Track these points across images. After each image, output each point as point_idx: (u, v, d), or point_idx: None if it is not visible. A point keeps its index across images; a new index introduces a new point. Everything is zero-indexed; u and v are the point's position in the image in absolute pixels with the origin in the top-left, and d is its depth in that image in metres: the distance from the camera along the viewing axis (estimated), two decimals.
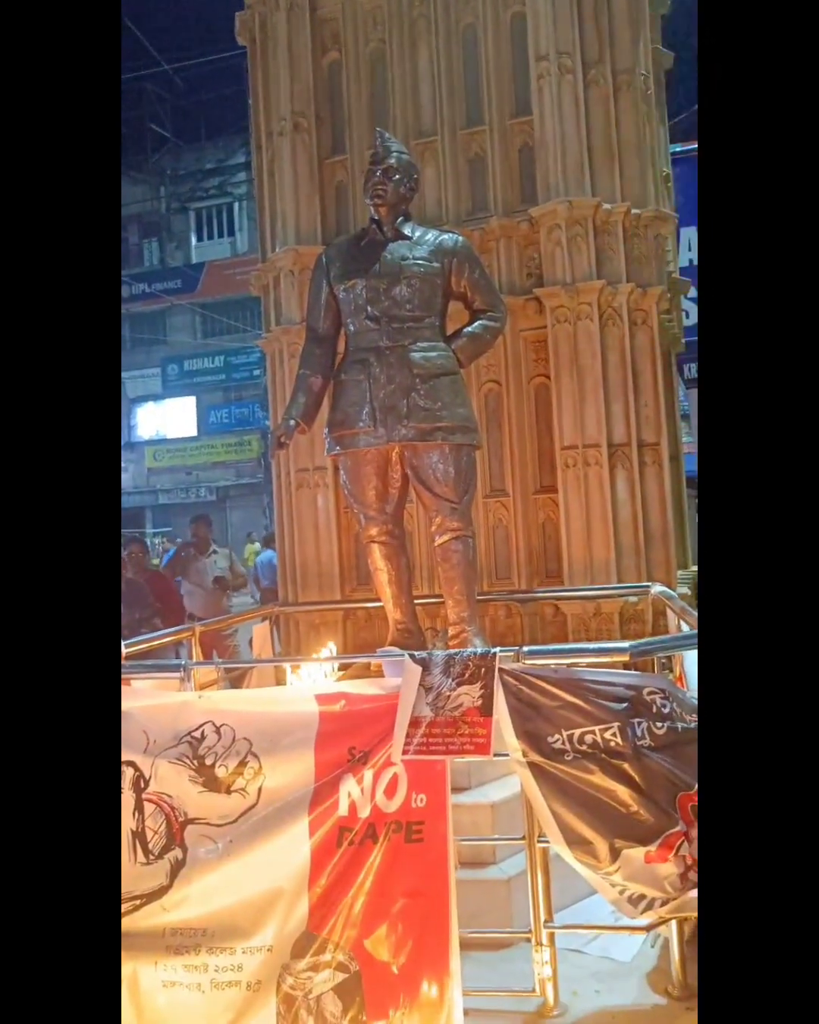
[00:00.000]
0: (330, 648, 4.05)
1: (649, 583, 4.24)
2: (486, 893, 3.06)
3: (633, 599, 4.31)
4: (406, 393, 3.70)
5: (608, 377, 4.49)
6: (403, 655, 2.77)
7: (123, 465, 24.21)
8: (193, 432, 23.79)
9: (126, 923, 2.67)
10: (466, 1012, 2.55)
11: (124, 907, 2.68)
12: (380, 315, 3.76)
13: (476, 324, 3.92)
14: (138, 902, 2.68)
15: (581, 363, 4.47)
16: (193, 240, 24.73)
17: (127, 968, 2.62)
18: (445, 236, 3.91)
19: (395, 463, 3.85)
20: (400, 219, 3.87)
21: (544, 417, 4.70)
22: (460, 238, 3.95)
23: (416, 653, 2.78)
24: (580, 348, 4.48)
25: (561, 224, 4.45)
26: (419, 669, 2.70)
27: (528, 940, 2.86)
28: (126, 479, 23.73)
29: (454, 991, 2.56)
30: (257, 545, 11.20)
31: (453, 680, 2.70)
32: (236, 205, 23.78)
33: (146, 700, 2.83)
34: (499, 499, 4.87)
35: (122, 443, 24.46)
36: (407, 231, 3.86)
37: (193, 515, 8.37)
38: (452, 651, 2.81)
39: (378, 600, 4.36)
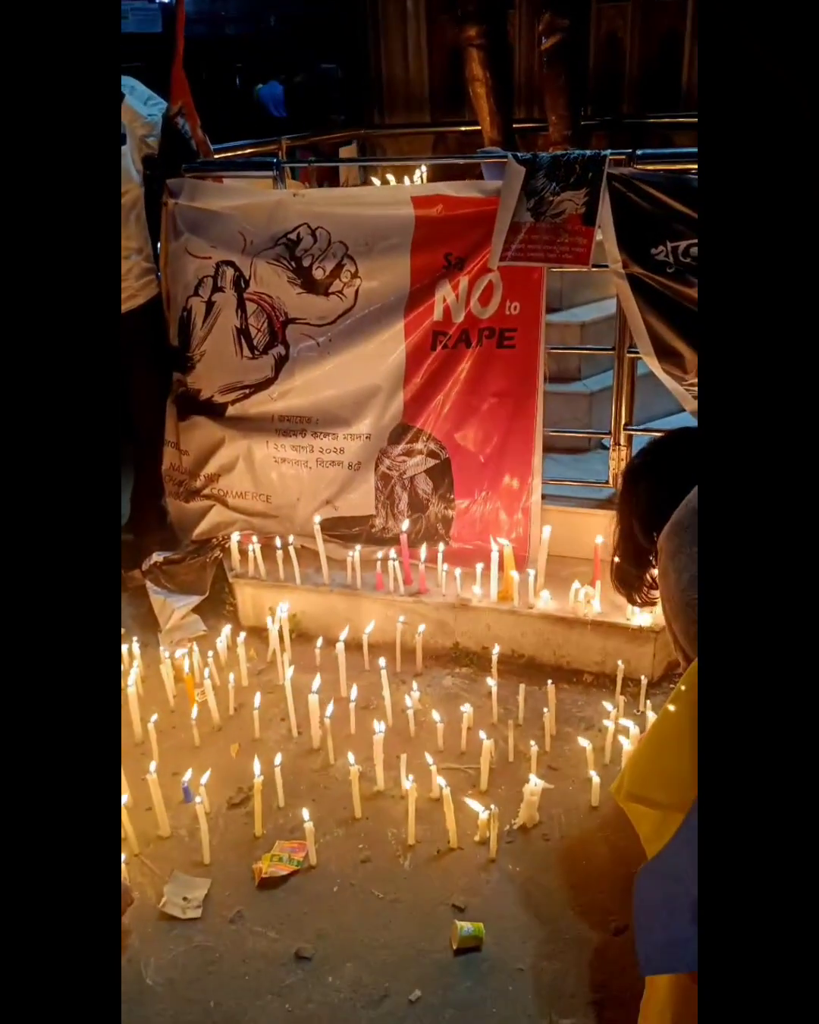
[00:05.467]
0: (421, 169, 3.85)
1: None
2: (569, 405, 3.22)
3: None
4: None
5: None
6: (507, 156, 2.61)
7: None
8: None
9: (237, 409, 2.93)
10: (544, 496, 2.84)
11: (234, 395, 2.92)
12: None
13: None
14: (247, 391, 2.90)
15: None
16: None
17: (243, 445, 2.92)
18: None
19: None
20: None
21: None
22: None
23: (519, 154, 2.61)
24: None
25: None
26: (522, 170, 2.54)
27: (604, 448, 3.07)
28: None
29: (535, 479, 2.82)
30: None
31: (558, 184, 2.56)
32: None
33: (240, 199, 2.78)
34: (614, 4, 4.23)
35: None
36: None
37: None
38: (559, 153, 2.63)
39: (472, 123, 4.03)
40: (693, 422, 2.66)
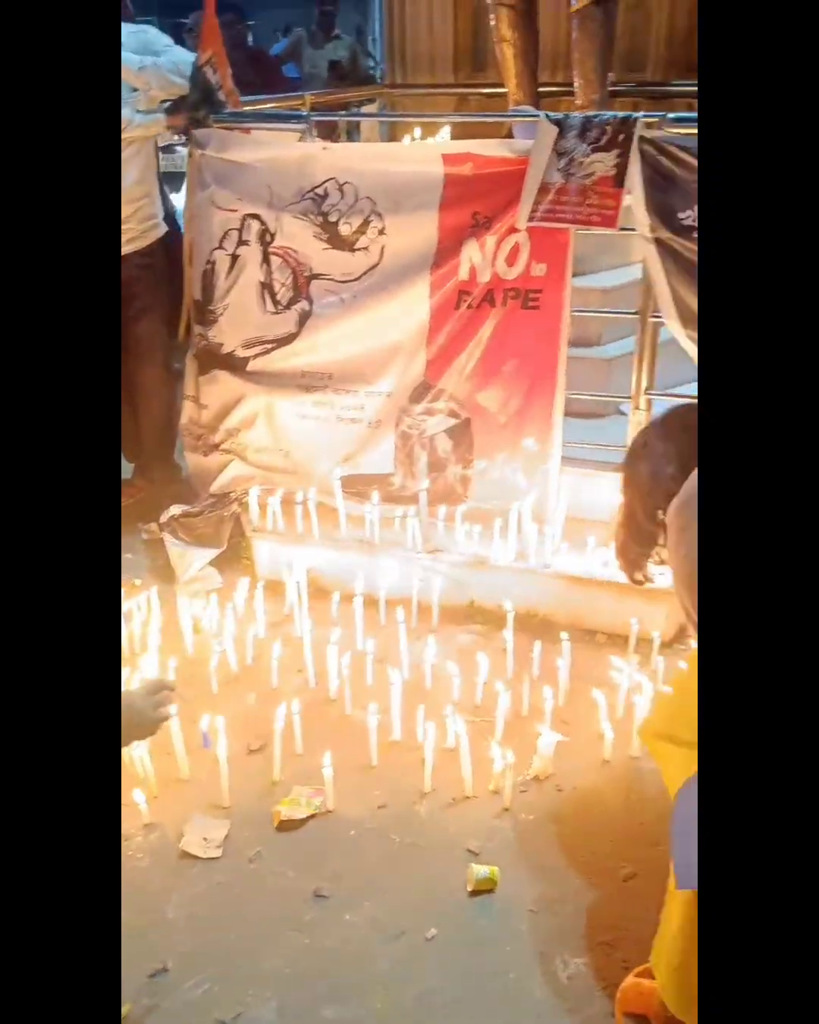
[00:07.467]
0: (445, 129, 3.82)
1: None
2: (589, 370, 3.22)
3: None
4: None
5: None
6: (539, 115, 2.60)
7: None
8: None
9: (259, 364, 2.93)
10: (563, 459, 2.85)
11: (256, 350, 2.92)
12: None
13: None
14: (270, 346, 2.90)
15: None
16: None
17: (263, 400, 2.94)
18: None
19: None
20: None
21: None
22: None
23: (551, 113, 2.60)
24: None
25: None
26: (554, 130, 2.53)
27: (622, 414, 3.08)
28: None
29: (554, 443, 2.84)
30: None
31: (589, 145, 2.55)
32: None
33: (268, 151, 2.77)
34: None
35: None
36: None
37: None
38: (591, 114, 2.62)
39: (495, 85, 4.00)
40: None
